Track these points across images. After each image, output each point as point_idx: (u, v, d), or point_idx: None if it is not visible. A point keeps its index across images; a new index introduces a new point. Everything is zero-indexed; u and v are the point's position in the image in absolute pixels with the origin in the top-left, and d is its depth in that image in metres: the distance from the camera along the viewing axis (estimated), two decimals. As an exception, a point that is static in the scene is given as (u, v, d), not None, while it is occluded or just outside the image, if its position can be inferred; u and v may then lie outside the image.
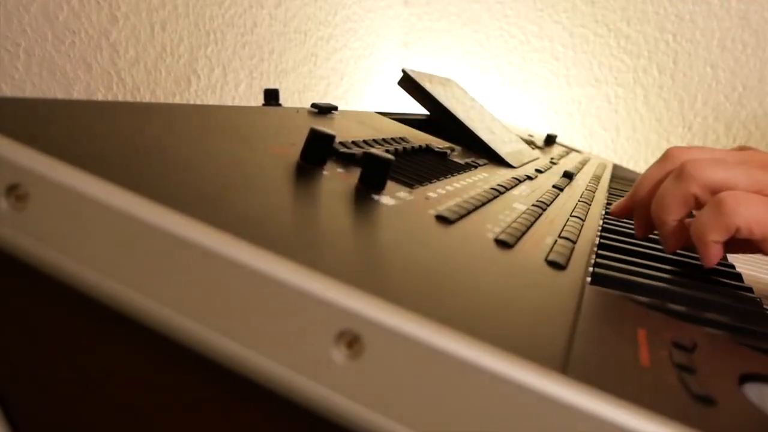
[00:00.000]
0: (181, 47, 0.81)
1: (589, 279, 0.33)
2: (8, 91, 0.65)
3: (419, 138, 0.58)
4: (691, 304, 0.35)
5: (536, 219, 0.40)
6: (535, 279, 0.28)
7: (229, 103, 0.88)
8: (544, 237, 0.37)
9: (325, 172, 0.33)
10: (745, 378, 0.25)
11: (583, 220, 0.46)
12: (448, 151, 0.55)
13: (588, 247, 0.39)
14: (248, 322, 0.20)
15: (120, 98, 0.75)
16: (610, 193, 0.75)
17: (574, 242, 0.38)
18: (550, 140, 1.03)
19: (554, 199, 0.50)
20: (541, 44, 1.30)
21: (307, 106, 0.52)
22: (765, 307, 0.38)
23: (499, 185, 0.48)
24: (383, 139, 0.49)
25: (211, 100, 0.88)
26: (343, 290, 0.19)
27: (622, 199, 0.46)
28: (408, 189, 0.37)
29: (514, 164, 0.64)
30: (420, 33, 1.35)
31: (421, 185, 0.39)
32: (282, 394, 0.20)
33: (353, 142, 0.43)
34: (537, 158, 0.78)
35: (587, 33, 1.28)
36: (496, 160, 0.63)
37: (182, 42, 0.81)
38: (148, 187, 0.22)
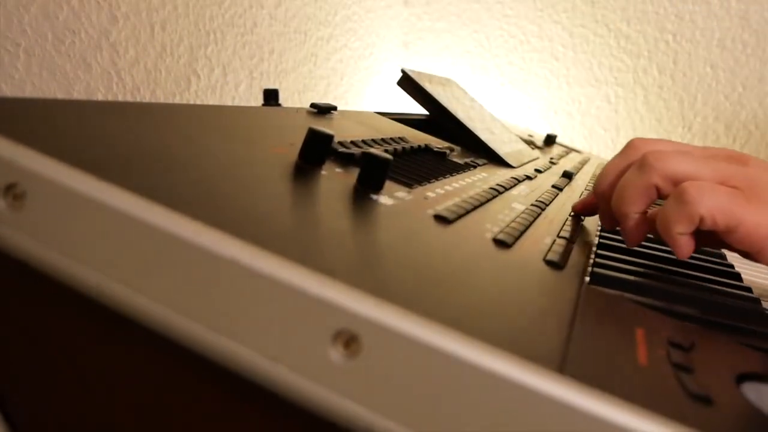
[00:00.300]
0: (181, 47, 0.82)
1: (587, 278, 0.33)
2: (8, 91, 0.65)
3: (418, 138, 0.58)
4: (690, 304, 0.35)
5: (535, 219, 0.40)
6: (533, 278, 0.28)
7: (229, 103, 0.88)
8: (542, 237, 0.37)
9: (323, 172, 0.33)
10: (743, 377, 0.25)
11: (582, 220, 0.47)
12: (448, 151, 0.55)
13: (587, 247, 0.39)
14: (247, 321, 0.20)
15: (120, 98, 0.75)
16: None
17: (573, 242, 0.38)
18: (550, 140, 1.03)
19: (553, 199, 0.50)
20: (541, 44, 1.30)
21: (307, 106, 0.52)
22: (763, 306, 0.38)
23: (498, 185, 0.48)
24: (382, 139, 0.49)
25: (211, 100, 0.88)
26: (341, 290, 0.19)
27: (584, 196, 0.44)
28: (407, 189, 0.37)
29: (514, 164, 0.64)
30: (420, 33, 1.35)
31: (420, 185, 0.39)
32: (280, 393, 0.20)
33: (352, 142, 0.43)
34: (536, 158, 0.78)
35: (587, 33, 1.28)
36: (495, 160, 0.63)
37: (182, 42, 0.81)
38: (147, 187, 0.22)
